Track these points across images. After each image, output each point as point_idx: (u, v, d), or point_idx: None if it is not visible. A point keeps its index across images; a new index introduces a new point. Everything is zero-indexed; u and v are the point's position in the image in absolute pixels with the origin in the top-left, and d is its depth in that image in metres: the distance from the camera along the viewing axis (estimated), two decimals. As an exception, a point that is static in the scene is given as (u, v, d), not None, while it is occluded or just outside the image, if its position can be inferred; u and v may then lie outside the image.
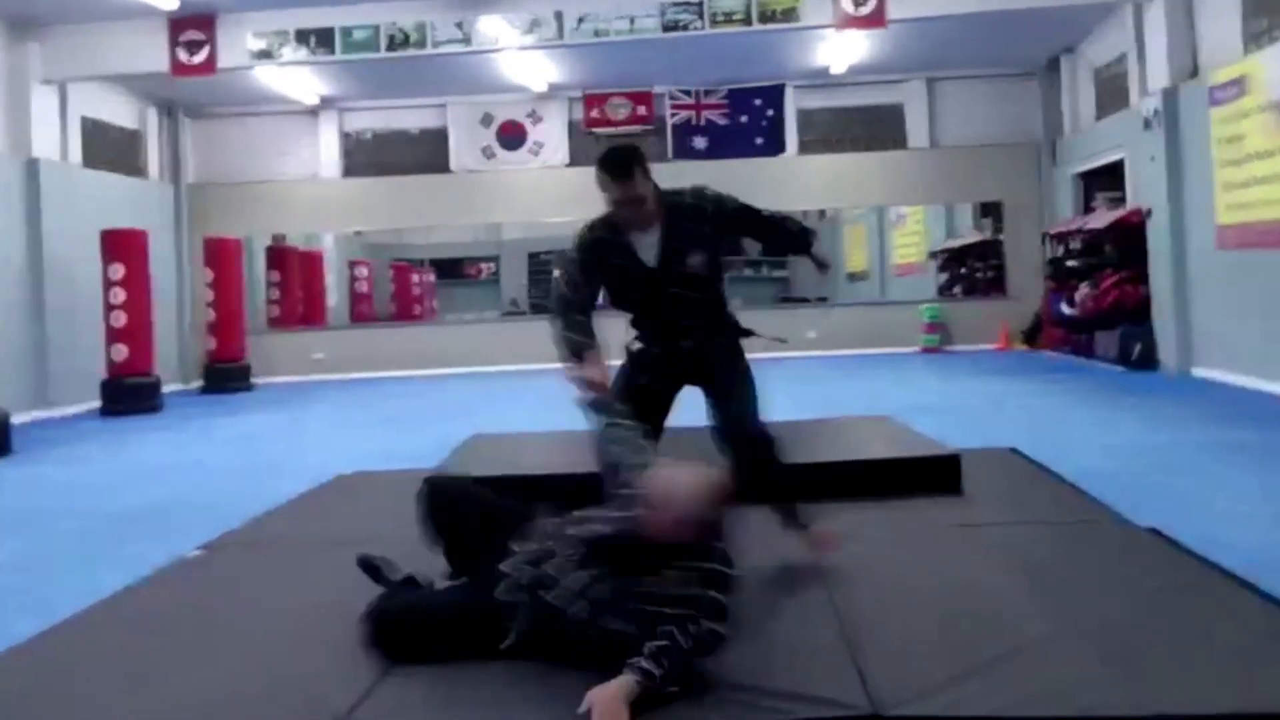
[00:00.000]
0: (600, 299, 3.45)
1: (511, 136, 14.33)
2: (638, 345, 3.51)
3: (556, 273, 3.52)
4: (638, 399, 3.33)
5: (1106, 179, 12.13)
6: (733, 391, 3.44)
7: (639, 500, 2.52)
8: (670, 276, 3.35)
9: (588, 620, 2.47)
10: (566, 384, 3.28)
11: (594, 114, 14.12)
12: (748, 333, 3.56)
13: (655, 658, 2.29)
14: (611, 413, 2.99)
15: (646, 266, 3.34)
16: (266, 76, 12.31)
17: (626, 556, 2.50)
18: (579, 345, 3.25)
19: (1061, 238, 12.62)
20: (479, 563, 2.75)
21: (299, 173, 14.49)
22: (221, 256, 12.83)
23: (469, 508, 3.05)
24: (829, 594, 2.88)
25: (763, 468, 3.37)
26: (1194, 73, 9.68)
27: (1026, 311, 13.67)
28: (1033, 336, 13.44)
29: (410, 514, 4.35)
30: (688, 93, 14.10)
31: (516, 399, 10.57)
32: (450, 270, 17.23)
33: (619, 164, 3.23)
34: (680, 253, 3.34)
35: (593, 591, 2.48)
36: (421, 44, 10.70)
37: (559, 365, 3.33)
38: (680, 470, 2.53)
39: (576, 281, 3.39)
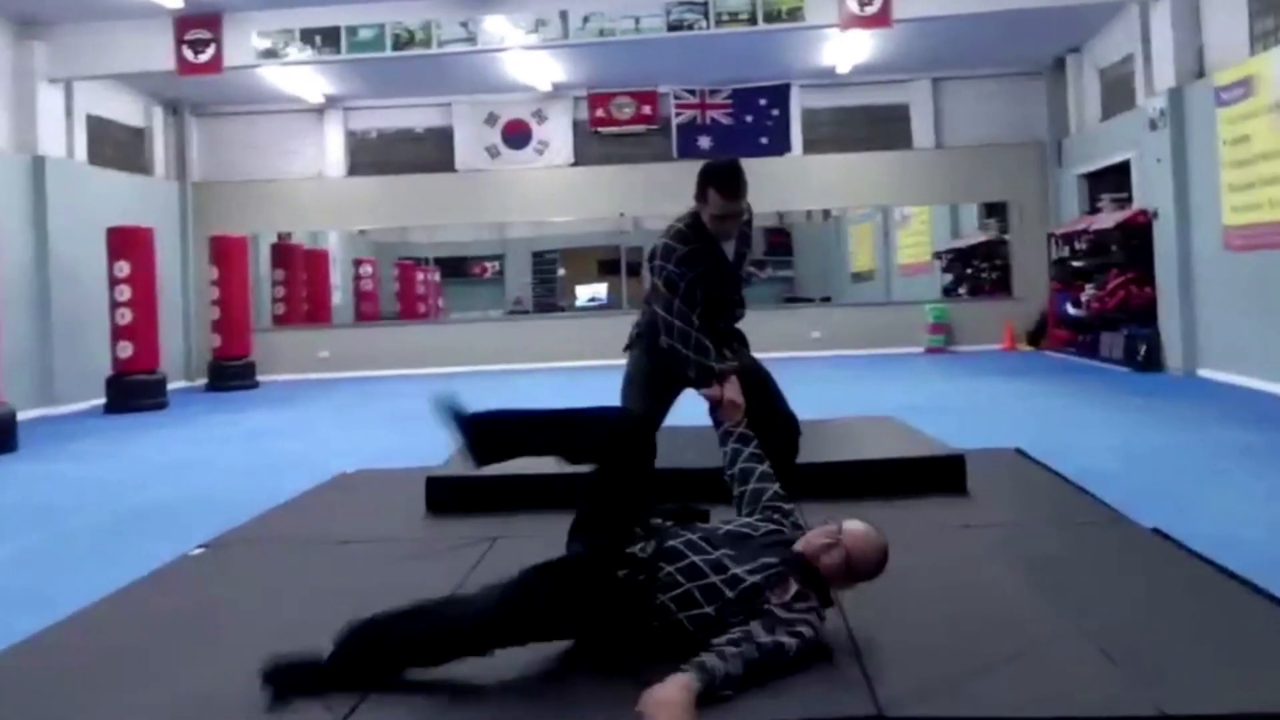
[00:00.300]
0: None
1: (516, 136, 14.34)
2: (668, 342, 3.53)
3: (661, 283, 3.46)
4: (658, 392, 3.51)
5: (1112, 179, 12.11)
6: (769, 385, 3.61)
7: (828, 531, 2.61)
8: (739, 280, 3.60)
9: (729, 609, 2.47)
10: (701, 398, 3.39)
11: (599, 113, 14.13)
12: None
13: (725, 658, 2.29)
14: (744, 439, 3.07)
15: (732, 270, 3.53)
16: (272, 75, 12.34)
17: (804, 570, 2.59)
18: (723, 372, 3.34)
19: (1067, 238, 12.59)
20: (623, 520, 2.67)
21: (304, 171, 14.51)
22: (227, 254, 12.85)
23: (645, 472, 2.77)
24: (834, 594, 2.86)
25: (793, 451, 3.60)
26: (1200, 73, 9.66)
27: (1032, 312, 13.66)
28: (1038, 337, 13.42)
29: (412, 512, 4.39)
30: (692, 92, 14.10)
31: (520, 398, 10.54)
32: (455, 269, 17.25)
33: (736, 184, 3.34)
34: (744, 258, 3.60)
35: (753, 579, 2.51)
36: (427, 43, 10.71)
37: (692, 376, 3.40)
38: (877, 531, 2.66)
39: (689, 295, 3.42)
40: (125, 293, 10.74)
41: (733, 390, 3.27)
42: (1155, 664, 2.39)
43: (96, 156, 12.15)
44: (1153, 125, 10.18)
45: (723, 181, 3.33)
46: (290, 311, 14.69)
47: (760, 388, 3.53)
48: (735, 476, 2.98)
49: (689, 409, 3.64)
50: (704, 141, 14.11)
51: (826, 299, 16.18)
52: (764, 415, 3.47)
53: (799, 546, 2.64)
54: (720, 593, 2.49)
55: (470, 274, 17.51)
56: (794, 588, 2.51)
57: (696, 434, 3.76)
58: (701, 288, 3.44)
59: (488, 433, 2.68)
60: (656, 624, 2.49)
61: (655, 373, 3.55)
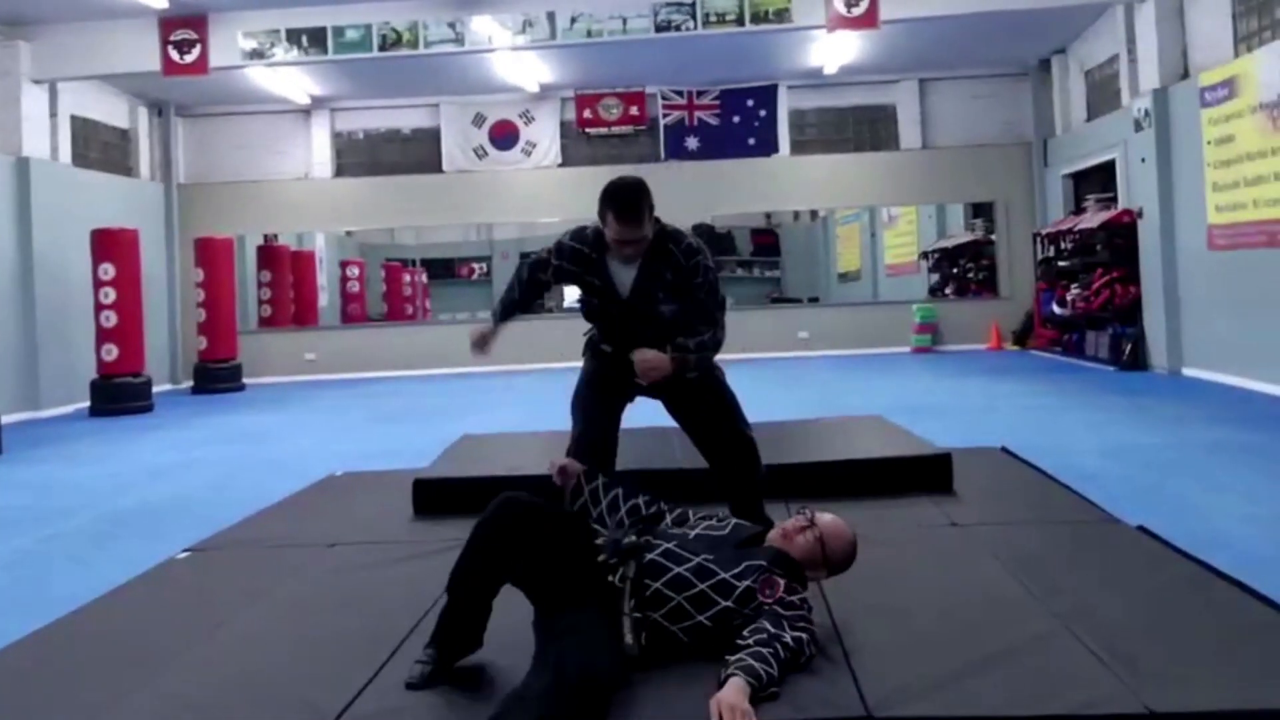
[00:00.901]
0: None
1: (504, 137, 14.32)
2: (606, 348, 3.49)
3: (532, 257, 3.53)
4: (606, 398, 3.43)
5: (1097, 179, 12.17)
6: (710, 406, 3.45)
7: (803, 525, 2.69)
8: (638, 313, 3.34)
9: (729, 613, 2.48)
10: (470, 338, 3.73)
11: (586, 114, 14.12)
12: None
13: (763, 660, 2.29)
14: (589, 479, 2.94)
15: (618, 295, 3.34)
16: (258, 76, 12.28)
17: (785, 564, 2.63)
18: (506, 311, 3.70)
19: (1053, 238, 12.65)
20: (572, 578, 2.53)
21: (291, 172, 14.45)
22: (212, 256, 12.78)
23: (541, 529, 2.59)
24: (821, 593, 2.87)
25: (752, 472, 3.45)
26: (1185, 74, 9.71)
27: (1018, 311, 13.71)
28: (1024, 336, 13.47)
29: (400, 514, 4.38)
30: (680, 93, 14.10)
31: (507, 399, 10.56)
32: (442, 270, 17.22)
33: (629, 206, 3.16)
34: (652, 295, 3.32)
35: (746, 584, 2.50)
36: (414, 44, 10.69)
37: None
38: (845, 522, 2.76)
39: (538, 279, 3.59)
40: (110, 295, 10.68)
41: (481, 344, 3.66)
42: (1142, 661, 2.40)
43: (81, 158, 12.08)
44: (1138, 126, 10.24)
45: (620, 206, 3.15)
46: (277, 313, 14.64)
47: (713, 410, 3.45)
48: (604, 513, 2.87)
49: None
50: (691, 142, 14.12)
51: (814, 299, 16.23)
52: (717, 439, 3.44)
53: (774, 539, 2.68)
54: (712, 600, 2.48)
55: (458, 275, 17.49)
56: (782, 583, 2.52)
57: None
58: (572, 285, 3.46)
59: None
60: (653, 641, 2.47)
61: (601, 377, 3.46)
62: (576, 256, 3.35)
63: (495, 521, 2.54)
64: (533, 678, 2.24)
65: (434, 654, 2.51)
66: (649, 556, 2.55)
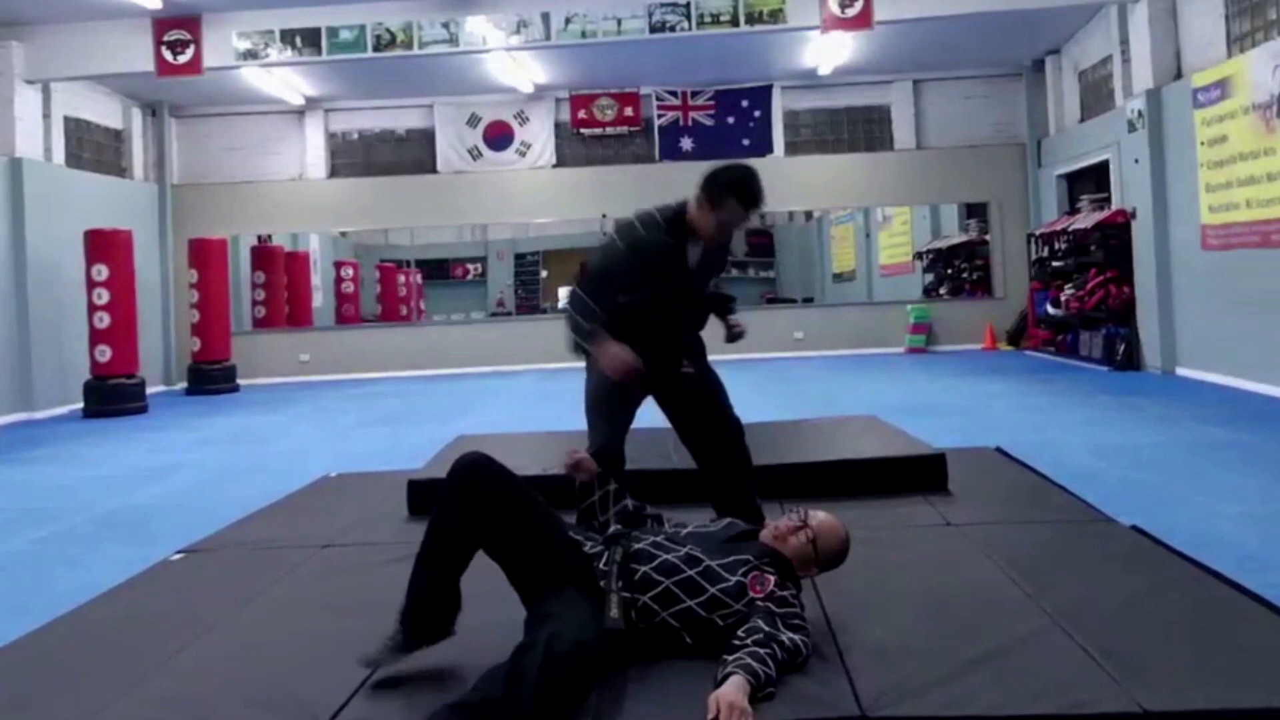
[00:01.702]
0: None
1: (498, 137, 14.31)
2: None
3: (600, 253, 3.34)
4: (623, 401, 3.42)
5: (1091, 180, 12.20)
6: (709, 390, 3.51)
7: (795, 518, 2.72)
8: (697, 292, 3.43)
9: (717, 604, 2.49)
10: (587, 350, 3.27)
11: (581, 115, 14.12)
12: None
13: (761, 660, 2.29)
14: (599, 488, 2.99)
15: (689, 276, 3.34)
16: (252, 76, 12.25)
17: (776, 561, 2.65)
18: (594, 333, 3.20)
19: (1047, 238, 12.67)
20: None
21: (285, 173, 14.43)
22: (206, 257, 12.75)
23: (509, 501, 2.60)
24: (815, 592, 2.88)
25: (746, 458, 3.51)
26: (1178, 74, 9.74)
27: (1012, 312, 13.73)
28: (1018, 337, 13.50)
29: (394, 515, 4.37)
30: (675, 94, 14.10)
31: (503, 400, 10.56)
32: (437, 271, 17.20)
33: (758, 195, 3.21)
34: (708, 272, 3.44)
35: (736, 577, 2.52)
36: (408, 44, 10.68)
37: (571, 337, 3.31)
38: (839, 520, 2.80)
39: (620, 278, 3.26)
40: (104, 296, 10.66)
41: (622, 351, 3.16)
42: (1136, 661, 2.40)
43: (74, 158, 12.05)
44: (1131, 126, 10.26)
45: (749, 196, 3.20)
46: (271, 314, 14.61)
47: (711, 395, 3.49)
48: (610, 519, 2.92)
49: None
50: (686, 143, 14.12)
51: (809, 300, 16.24)
52: (712, 424, 3.46)
53: (766, 537, 2.70)
54: (701, 587, 2.50)
55: (452, 276, 17.48)
56: (772, 578, 2.54)
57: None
58: (649, 287, 3.28)
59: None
60: (643, 626, 2.49)
61: (614, 383, 3.41)
62: (661, 249, 3.24)
63: (460, 470, 2.58)
64: (522, 656, 2.24)
65: (399, 633, 2.51)
66: (636, 546, 2.59)
